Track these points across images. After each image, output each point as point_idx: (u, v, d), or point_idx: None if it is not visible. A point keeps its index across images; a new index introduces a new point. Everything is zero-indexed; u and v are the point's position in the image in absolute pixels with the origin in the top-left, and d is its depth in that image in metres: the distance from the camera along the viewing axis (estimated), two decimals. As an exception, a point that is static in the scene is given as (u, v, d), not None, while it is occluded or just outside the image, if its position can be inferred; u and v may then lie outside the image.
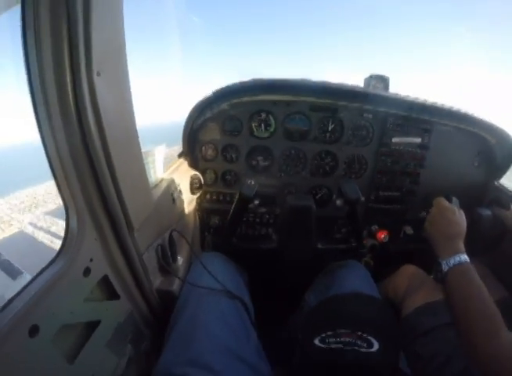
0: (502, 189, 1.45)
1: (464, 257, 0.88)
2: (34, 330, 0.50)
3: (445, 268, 0.88)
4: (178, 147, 1.44)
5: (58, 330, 0.56)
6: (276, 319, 1.20)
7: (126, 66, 0.66)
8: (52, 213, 6.38)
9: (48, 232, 5.32)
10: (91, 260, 0.65)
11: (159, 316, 0.93)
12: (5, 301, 0.49)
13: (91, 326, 0.67)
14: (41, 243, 4.76)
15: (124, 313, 0.78)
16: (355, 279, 1.01)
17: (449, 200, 1.09)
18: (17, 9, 0.51)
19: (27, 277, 1.15)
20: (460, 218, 1.02)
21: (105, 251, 0.70)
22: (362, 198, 1.50)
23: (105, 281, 0.72)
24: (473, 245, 0.99)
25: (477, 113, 1.34)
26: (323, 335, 0.70)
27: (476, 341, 0.74)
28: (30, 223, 5.96)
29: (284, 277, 1.47)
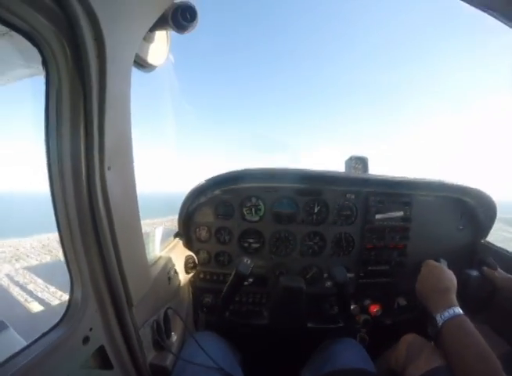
0: (489, 247, 1.48)
1: (458, 310, 0.87)
2: None
3: (439, 322, 0.87)
4: (173, 217, 1.51)
5: None
6: None
7: (132, 161, 0.76)
8: (32, 269, 6.07)
9: (24, 289, 4.97)
10: (90, 329, 0.68)
11: None
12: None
13: None
14: (15, 299, 4.41)
15: None
16: (350, 355, 1.01)
17: (438, 261, 1.15)
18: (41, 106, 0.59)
19: (11, 331, 1.11)
20: (450, 274, 1.05)
21: (104, 322, 0.74)
22: (352, 275, 1.52)
23: (101, 351, 0.73)
24: (465, 305, 0.99)
25: (453, 178, 1.44)
26: None
27: None
28: (7, 275, 5.60)
29: (277, 354, 1.42)
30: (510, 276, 1.22)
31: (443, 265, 1.11)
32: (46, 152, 0.61)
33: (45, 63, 0.57)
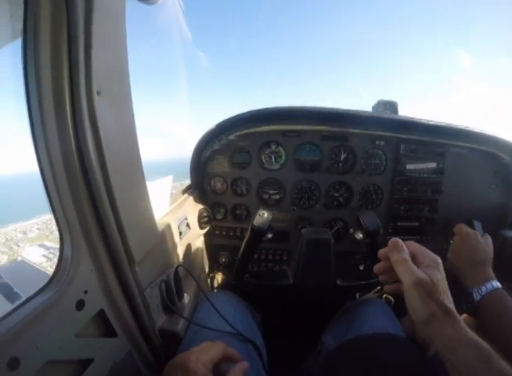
0: None
1: (496, 283, 0.82)
2: (13, 363, 0.44)
3: (476, 297, 0.81)
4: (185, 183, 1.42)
5: (42, 366, 0.49)
6: (291, 362, 1.09)
7: (129, 86, 0.65)
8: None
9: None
10: (85, 292, 0.59)
11: (161, 359, 0.84)
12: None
13: (83, 364, 0.59)
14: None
15: (121, 353, 0.70)
16: (377, 317, 0.92)
17: (471, 226, 1.02)
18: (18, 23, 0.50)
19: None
20: (485, 242, 0.96)
21: (102, 283, 0.65)
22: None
23: (101, 316, 0.65)
24: (502, 270, 0.92)
25: (489, 130, 1.29)
26: None
27: None
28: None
29: (300, 317, 1.35)
30: None
31: (477, 232, 0.99)
32: (24, 79, 0.50)
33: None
